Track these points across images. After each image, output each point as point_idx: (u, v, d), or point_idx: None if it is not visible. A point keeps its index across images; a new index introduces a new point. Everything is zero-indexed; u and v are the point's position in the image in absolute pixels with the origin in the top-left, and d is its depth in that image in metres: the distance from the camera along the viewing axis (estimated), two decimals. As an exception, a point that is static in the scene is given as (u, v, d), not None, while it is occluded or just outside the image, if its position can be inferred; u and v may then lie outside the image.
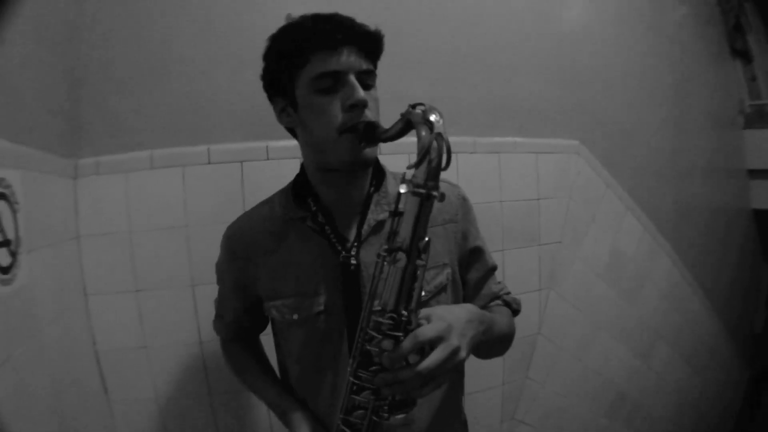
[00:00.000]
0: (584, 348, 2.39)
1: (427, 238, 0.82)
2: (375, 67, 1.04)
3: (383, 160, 1.16)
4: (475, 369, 1.94)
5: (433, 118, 0.79)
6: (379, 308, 0.83)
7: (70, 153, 1.54)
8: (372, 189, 1.11)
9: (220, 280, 1.26)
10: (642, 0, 2.77)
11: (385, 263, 0.83)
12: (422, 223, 0.81)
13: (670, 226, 2.74)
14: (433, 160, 0.78)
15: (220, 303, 1.30)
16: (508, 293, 1.24)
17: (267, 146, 1.68)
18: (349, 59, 0.96)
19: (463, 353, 0.84)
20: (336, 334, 1.06)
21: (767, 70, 3.80)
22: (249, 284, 1.15)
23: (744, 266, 3.62)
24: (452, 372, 0.86)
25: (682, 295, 2.87)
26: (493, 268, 1.24)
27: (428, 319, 0.84)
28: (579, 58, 2.33)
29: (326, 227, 1.07)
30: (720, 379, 3.35)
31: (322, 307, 1.06)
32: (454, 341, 0.82)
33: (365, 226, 1.07)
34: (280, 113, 1.07)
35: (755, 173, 3.58)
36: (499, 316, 1.13)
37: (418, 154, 0.79)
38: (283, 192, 1.17)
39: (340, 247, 1.06)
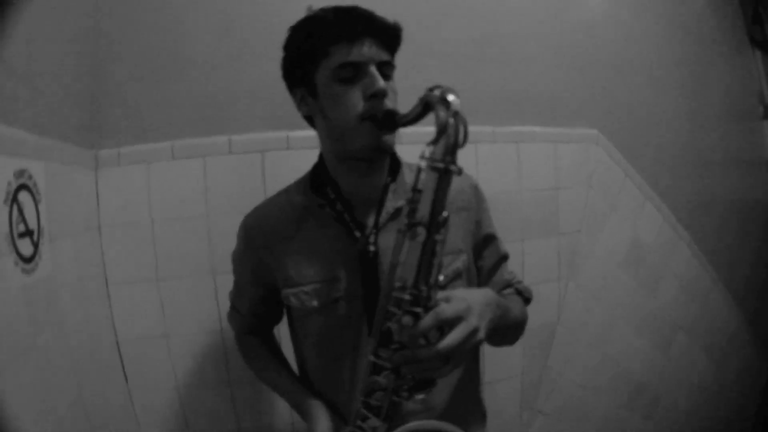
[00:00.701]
0: (603, 338, 2.38)
1: (445, 213, 0.83)
2: (393, 58, 1.07)
3: (400, 150, 1.19)
4: (495, 358, 1.98)
5: (450, 97, 0.81)
6: (399, 284, 0.85)
7: (91, 144, 1.57)
8: (389, 179, 1.13)
9: (237, 271, 1.29)
10: (660, -10, 2.74)
11: (406, 238, 0.84)
12: (440, 197, 0.82)
13: (689, 216, 2.71)
14: (450, 136, 0.80)
15: (236, 295, 1.32)
16: (520, 282, 1.28)
17: (288, 136, 1.69)
18: (369, 50, 1.00)
19: (481, 334, 0.86)
20: (355, 321, 1.08)
21: (787, 61, 3.74)
22: (266, 273, 1.17)
23: (763, 256, 3.57)
24: (470, 353, 0.89)
25: (702, 285, 2.84)
26: (505, 257, 1.28)
27: (448, 300, 0.86)
28: (597, 47, 2.32)
29: (345, 214, 1.09)
30: (740, 371, 3.31)
31: (341, 293, 1.09)
32: (473, 321, 0.84)
33: (383, 213, 1.10)
34: (300, 102, 1.11)
35: (775, 164, 3.54)
36: (513, 303, 1.16)
37: (437, 131, 0.82)
38: (301, 181, 1.20)
39: (359, 234, 1.08)
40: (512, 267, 2.14)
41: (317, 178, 1.15)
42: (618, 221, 2.38)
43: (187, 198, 1.65)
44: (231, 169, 1.67)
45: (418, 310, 0.83)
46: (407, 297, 0.84)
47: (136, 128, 1.62)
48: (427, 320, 0.81)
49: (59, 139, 1.33)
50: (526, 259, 2.08)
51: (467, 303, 0.85)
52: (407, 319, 0.83)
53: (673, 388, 2.76)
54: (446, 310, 0.83)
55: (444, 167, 0.81)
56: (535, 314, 2.22)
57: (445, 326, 0.83)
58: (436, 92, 0.83)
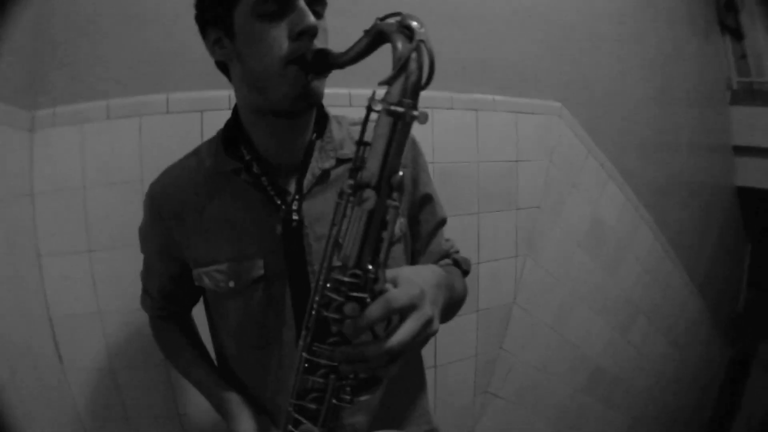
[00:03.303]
0: (561, 319, 2.34)
1: (401, 173, 0.68)
2: None
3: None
4: (447, 339, 1.90)
5: (413, 24, 0.67)
6: (339, 264, 0.70)
7: (27, 105, 1.46)
8: (314, 135, 0.99)
9: (144, 248, 1.14)
10: (630, -34, 2.70)
11: (349, 204, 0.69)
12: (396, 151, 0.67)
13: (653, 198, 2.70)
14: (412, 72, 0.65)
15: (146, 274, 1.17)
16: (458, 251, 1.14)
17: (229, 96, 1.56)
18: None
19: (436, 324, 0.73)
20: (279, 303, 0.95)
21: (757, 48, 3.77)
22: (176, 249, 1.02)
23: (726, 244, 3.61)
24: (423, 346, 0.75)
25: (663, 269, 2.83)
26: (443, 221, 1.13)
27: (395, 282, 0.72)
28: (564, 19, 2.25)
29: (263, 179, 0.95)
30: (700, 357, 3.35)
31: (261, 272, 0.94)
32: (427, 310, 0.71)
33: (308, 176, 0.95)
34: (213, 45, 0.93)
35: (740, 150, 3.56)
36: (455, 278, 1.03)
37: (394, 66, 0.66)
38: (212, 141, 1.04)
39: (279, 201, 0.94)
40: (468, 242, 2.09)
41: (231, 136, 0.99)
42: (579, 199, 2.33)
43: (122, 161, 1.54)
44: (168, 130, 1.55)
45: (364, 295, 0.68)
46: (349, 279, 0.68)
47: (71, 87, 1.50)
48: (376, 309, 0.67)
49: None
50: (482, 233, 1.99)
51: (420, 287, 0.71)
52: (351, 308, 0.68)
53: (633, 372, 2.75)
54: (398, 296, 0.68)
55: (403, 111, 0.65)
56: (490, 293, 2.17)
57: (393, 315, 0.69)
58: (392, 20, 0.69)
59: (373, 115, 0.68)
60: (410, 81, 0.65)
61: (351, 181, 0.69)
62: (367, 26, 0.72)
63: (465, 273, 1.12)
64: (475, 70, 1.97)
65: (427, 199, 1.10)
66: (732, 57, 3.79)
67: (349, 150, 0.98)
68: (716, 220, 3.41)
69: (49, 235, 1.49)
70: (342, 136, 1.00)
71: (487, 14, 2.00)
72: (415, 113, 0.65)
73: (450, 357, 1.96)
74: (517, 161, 2.09)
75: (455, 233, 1.18)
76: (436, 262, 1.09)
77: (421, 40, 0.65)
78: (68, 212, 1.51)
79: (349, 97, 1.68)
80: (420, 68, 0.66)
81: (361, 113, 1.08)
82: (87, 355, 1.53)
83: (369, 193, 0.67)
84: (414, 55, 0.65)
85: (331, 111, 1.05)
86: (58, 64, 1.49)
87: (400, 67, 0.65)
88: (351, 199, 0.69)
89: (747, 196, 3.66)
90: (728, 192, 3.57)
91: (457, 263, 1.12)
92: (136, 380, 1.58)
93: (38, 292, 1.48)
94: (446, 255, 1.12)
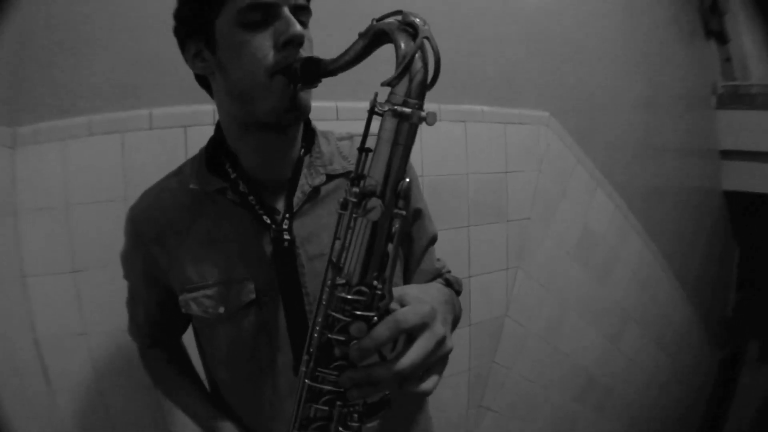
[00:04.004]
0: (553, 330, 2.32)
1: (407, 179, 0.63)
2: (309, 3, 0.88)
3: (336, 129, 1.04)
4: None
5: (416, 21, 0.62)
6: (342, 281, 0.64)
7: (9, 121, 1.41)
8: (302, 151, 0.94)
9: (128, 274, 1.08)
10: (615, -27, 2.70)
11: (354, 216, 0.63)
12: (403, 156, 0.62)
13: (641, 205, 2.70)
14: (417, 72, 0.60)
15: (132, 302, 1.11)
16: (449, 271, 1.10)
17: (214, 109, 1.54)
18: None
19: (449, 343, 0.68)
20: (272, 328, 0.90)
21: (742, 52, 3.78)
22: (160, 273, 0.97)
23: (714, 248, 3.62)
24: (442, 367, 0.68)
25: (653, 275, 2.84)
26: (434, 238, 1.09)
27: (402, 301, 0.67)
28: (551, 29, 2.25)
29: (250, 197, 0.90)
30: (691, 362, 3.36)
31: (253, 296, 0.89)
32: (439, 329, 0.66)
33: (298, 194, 0.91)
34: (193, 59, 0.89)
35: (727, 154, 3.57)
36: (454, 297, 0.98)
37: (398, 65, 0.61)
38: (194, 160, 0.98)
39: (269, 221, 0.89)
40: (459, 255, 2.07)
41: (214, 154, 0.94)
42: (568, 208, 2.32)
43: (105, 179, 1.50)
44: (151, 146, 1.52)
45: (371, 314, 0.63)
46: (353, 297, 0.63)
47: (53, 102, 1.46)
48: (384, 329, 0.62)
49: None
50: (473, 246, 1.97)
51: (430, 305, 0.66)
52: (358, 328, 0.62)
53: (625, 380, 2.75)
54: (408, 315, 0.63)
55: (410, 111, 0.60)
56: (482, 306, 2.15)
57: (400, 335, 0.64)
58: (392, 20, 0.64)
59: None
60: (416, 80, 0.61)
61: (355, 189, 0.63)
62: (351, 39, 0.68)
63: (457, 293, 1.08)
64: (463, 80, 1.95)
65: (418, 215, 1.06)
66: (717, 60, 3.81)
67: (339, 165, 0.95)
68: (704, 224, 3.42)
69: (33, 254, 1.45)
70: (331, 151, 0.97)
71: (473, 25, 1.98)
72: (423, 113, 0.60)
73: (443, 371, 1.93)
74: (506, 172, 2.07)
75: (446, 247, 1.15)
76: (428, 281, 1.05)
77: (426, 37, 0.61)
78: (52, 231, 1.47)
79: (336, 110, 1.65)
80: (425, 66, 0.61)
81: (349, 127, 1.06)
82: (74, 376, 1.49)
83: (374, 202, 0.61)
84: (419, 52, 0.61)
85: (318, 126, 1.01)
86: (39, 80, 1.47)
87: (405, 65, 0.60)
88: (356, 210, 0.63)
89: (734, 200, 3.67)
90: (716, 196, 3.58)
91: (449, 283, 1.06)
92: (124, 400, 1.54)
93: (23, 312, 1.43)
94: (438, 275, 1.08)
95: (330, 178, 0.93)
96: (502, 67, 2.06)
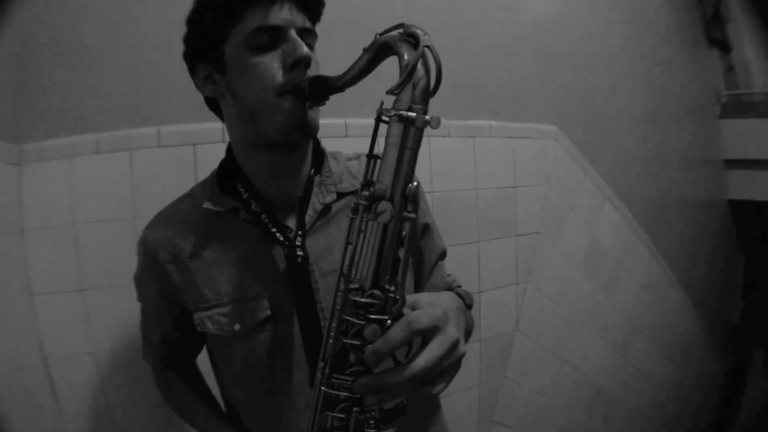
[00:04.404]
0: (562, 343, 2.32)
1: (415, 182, 0.65)
2: (314, 27, 0.91)
3: (342, 147, 1.05)
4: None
5: (417, 32, 0.64)
6: (355, 286, 0.65)
7: (15, 138, 1.41)
8: (312, 170, 0.96)
9: (141, 296, 1.09)
10: (620, -15, 2.72)
11: (364, 219, 0.65)
12: (410, 159, 0.64)
13: (647, 216, 2.70)
14: (419, 78, 0.63)
15: (145, 324, 1.12)
16: (459, 286, 1.11)
17: (223, 127, 1.53)
18: (290, 14, 0.84)
19: (462, 347, 0.69)
20: (287, 344, 0.90)
21: (745, 60, 3.79)
22: (175, 293, 0.97)
23: (720, 257, 3.62)
24: (454, 371, 0.69)
25: (660, 286, 2.84)
26: (443, 253, 1.11)
27: (414, 306, 0.68)
28: (556, 42, 2.25)
29: (263, 216, 0.91)
30: (698, 371, 3.36)
31: (268, 312, 0.90)
32: (452, 332, 0.67)
33: (310, 211, 0.93)
34: (204, 82, 0.92)
35: (731, 163, 3.59)
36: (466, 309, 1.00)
37: (401, 74, 0.64)
38: (206, 182, 1.01)
39: (282, 238, 0.90)
40: (469, 271, 2.07)
41: (225, 174, 0.97)
42: (576, 222, 2.32)
43: (113, 197, 1.49)
44: (160, 164, 1.51)
45: (384, 317, 0.64)
46: (367, 300, 0.64)
47: (59, 120, 1.46)
48: (398, 332, 0.62)
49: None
50: (483, 261, 1.97)
51: (442, 308, 0.67)
52: (372, 330, 0.63)
53: (633, 391, 2.74)
54: (421, 318, 0.64)
55: (415, 116, 0.62)
56: (492, 321, 2.15)
57: (413, 339, 0.65)
58: (395, 33, 0.67)
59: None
60: (419, 87, 0.63)
61: (365, 193, 0.65)
62: (355, 55, 0.70)
63: (468, 307, 1.08)
64: (470, 96, 1.96)
65: (426, 230, 1.07)
66: (720, 69, 3.81)
67: (348, 184, 0.97)
68: (710, 234, 3.42)
69: (40, 273, 1.44)
70: (340, 171, 0.99)
71: (479, 40, 1.99)
72: (427, 117, 0.62)
73: (453, 387, 1.88)
74: (515, 187, 2.08)
75: (456, 262, 1.15)
76: None
77: (427, 46, 0.63)
78: (59, 249, 1.46)
79: (345, 127, 1.65)
80: (428, 73, 0.63)
81: (358, 143, 1.06)
82: (82, 394, 1.48)
83: (384, 206, 0.63)
84: (420, 60, 0.63)
85: (327, 147, 1.03)
86: (44, 97, 1.46)
87: (408, 73, 0.63)
88: (367, 214, 0.65)
89: (739, 208, 3.68)
90: (720, 205, 3.59)
91: (460, 297, 1.04)
92: (132, 418, 1.52)
93: (31, 331, 1.43)
94: (449, 289, 1.08)
95: (340, 195, 0.95)
96: (508, 82, 2.07)
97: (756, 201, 3.51)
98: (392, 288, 0.64)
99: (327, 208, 0.94)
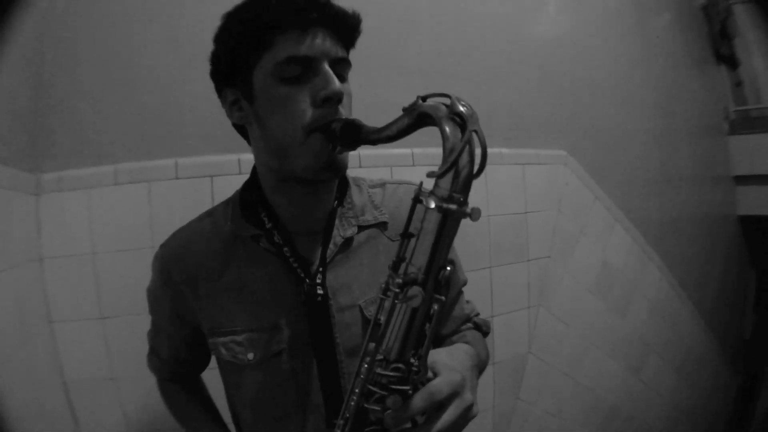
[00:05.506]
0: (575, 365, 2.33)
1: (449, 268, 0.64)
2: (348, 54, 0.87)
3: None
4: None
5: (464, 111, 0.61)
6: (380, 357, 0.66)
7: (32, 168, 1.43)
8: (336, 202, 0.94)
9: (153, 310, 1.07)
10: (626, 7, 2.74)
11: (396, 302, 0.64)
12: (445, 247, 0.63)
13: (658, 235, 2.70)
14: (463, 167, 0.60)
15: (154, 336, 1.11)
16: (478, 314, 1.11)
17: (239, 159, 1.57)
18: (323, 43, 0.80)
19: (476, 408, 0.71)
20: (303, 376, 0.90)
21: (753, 75, 3.78)
22: (188, 313, 0.97)
23: (731, 272, 3.60)
24: (464, 426, 0.71)
25: (671, 305, 2.84)
26: (464, 284, 1.10)
27: (434, 369, 0.69)
28: (564, 67, 2.27)
29: (285, 249, 0.89)
30: (710, 387, 3.34)
31: (284, 345, 0.89)
32: (468, 397, 0.69)
33: (331, 246, 0.91)
34: (231, 107, 0.88)
35: (741, 179, 3.58)
36: (479, 346, 1.01)
37: (444, 158, 0.60)
38: (228, 203, 0.98)
39: (302, 273, 0.89)
40: (481, 296, 2.10)
41: (249, 201, 0.94)
42: (587, 245, 2.34)
43: (131, 227, 1.51)
44: (178, 195, 1.53)
45: (406, 388, 0.65)
46: (392, 374, 0.65)
47: (77, 151, 1.47)
48: (420, 401, 0.64)
49: (-1, 163, 1.19)
50: (495, 287, 1.99)
51: (460, 374, 0.69)
52: (394, 401, 0.64)
53: (646, 410, 2.74)
54: (441, 387, 0.66)
55: (455, 209, 0.60)
56: (505, 345, 2.18)
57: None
58: (438, 104, 0.63)
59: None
60: (462, 175, 0.60)
61: (398, 280, 0.64)
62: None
63: (485, 335, 1.09)
64: (482, 125, 1.95)
65: (450, 264, 1.06)
66: (728, 85, 3.80)
67: (370, 216, 0.95)
68: (721, 251, 3.41)
69: (60, 301, 1.46)
70: (363, 202, 0.97)
71: (487, 67, 2.01)
72: (468, 209, 0.60)
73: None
74: (526, 212, 2.10)
75: (469, 288, 1.15)
76: (458, 327, 1.06)
77: (474, 130, 0.60)
78: (78, 278, 1.48)
79: (359, 159, 1.67)
80: (472, 161, 0.60)
81: (371, 174, 1.07)
82: (103, 420, 1.50)
83: (415, 290, 0.62)
84: (467, 147, 0.60)
85: (350, 173, 0.99)
86: (63, 128, 1.47)
87: (453, 161, 0.60)
88: (399, 297, 0.64)
89: (749, 224, 3.67)
90: (731, 222, 3.57)
91: (478, 327, 1.08)
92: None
93: (51, 357, 1.45)
94: (468, 319, 1.08)
95: (361, 228, 0.93)
96: (517, 109, 2.09)
97: (766, 216, 3.49)
98: (415, 361, 0.65)
99: (347, 242, 0.92)
